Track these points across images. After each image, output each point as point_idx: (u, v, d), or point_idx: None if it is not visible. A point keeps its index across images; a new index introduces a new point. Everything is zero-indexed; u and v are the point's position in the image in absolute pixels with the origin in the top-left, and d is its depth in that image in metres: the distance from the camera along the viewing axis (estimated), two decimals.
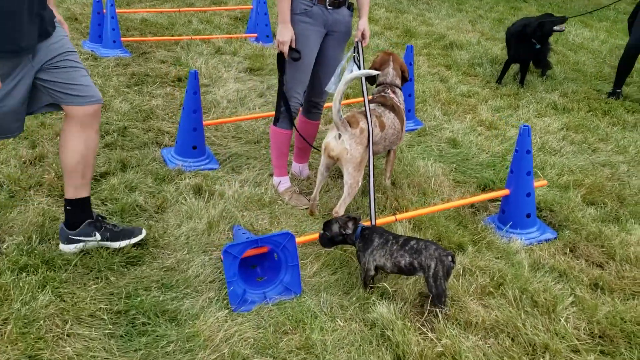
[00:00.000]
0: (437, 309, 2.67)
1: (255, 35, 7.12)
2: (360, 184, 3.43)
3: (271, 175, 4.00)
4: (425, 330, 2.63)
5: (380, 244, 2.82)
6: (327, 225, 2.98)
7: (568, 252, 3.33)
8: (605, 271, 3.16)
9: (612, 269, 3.17)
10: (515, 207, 3.41)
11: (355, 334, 2.64)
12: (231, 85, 5.60)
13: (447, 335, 2.57)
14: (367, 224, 3.06)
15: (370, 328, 2.66)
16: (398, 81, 3.83)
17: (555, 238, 3.45)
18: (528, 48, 6.07)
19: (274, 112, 3.76)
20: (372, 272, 2.83)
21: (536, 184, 3.50)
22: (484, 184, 4.01)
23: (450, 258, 2.69)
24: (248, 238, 3.01)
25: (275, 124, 3.74)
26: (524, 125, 3.32)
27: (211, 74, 5.81)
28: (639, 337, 2.62)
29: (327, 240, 2.99)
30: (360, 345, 2.56)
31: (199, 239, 3.28)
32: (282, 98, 3.60)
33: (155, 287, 2.87)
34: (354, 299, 2.84)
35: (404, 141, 4.70)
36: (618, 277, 3.09)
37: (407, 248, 2.75)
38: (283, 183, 3.87)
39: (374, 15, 8.85)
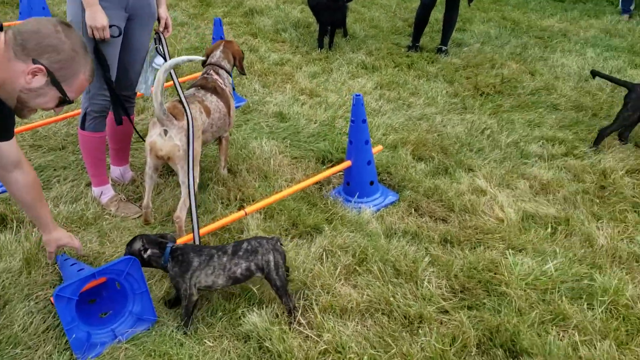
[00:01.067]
0: (291, 302, 2.51)
1: None
2: (198, 179, 3.10)
3: (89, 185, 3.46)
4: (302, 328, 2.48)
5: (202, 262, 2.48)
6: (129, 244, 2.52)
7: (413, 212, 3.41)
8: (449, 224, 3.30)
9: (455, 221, 3.32)
10: (359, 177, 3.39)
11: (229, 352, 2.39)
12: None
13: (326, 329, 2.45)
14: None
15: (245, 342, 2.43)
16: (225, 63, 3.53)
17: (397, 200, 3.52)
18: (336, 11, 6.14)
19: (78, 111, 3.21)
20: (195, 297, 2.49)
21: (373, 150, 3.51)
22: (322, 156, 3.94)
23: (279, 243, 2.55)
24: (80, 270, 2.54)
25: (82, 127, 3.20)
26: (357, 95, 3.27)
27: None
28: (494, 285, 2.77)
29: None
30: None
31: (17, 281, 2.70)
32: (114, 96, 3.09)
33: None
34: (219, 313, 2.56)
35: None
36: (461, 228, 3.25)
37: (240, 254, 2.49)
38: (105, 193, 3.37)
39: None
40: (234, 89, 4.81)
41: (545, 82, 5.43)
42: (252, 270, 2.50)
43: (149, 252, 2.47)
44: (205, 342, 2.43)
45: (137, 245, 2.49)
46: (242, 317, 2.51)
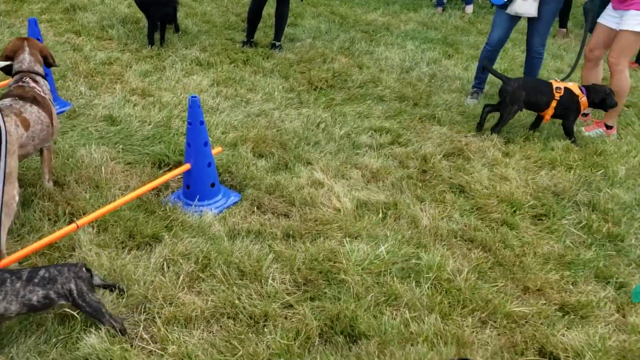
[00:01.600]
0: (113, 324, 2.41)
1: None
2: (17, 198, 2.84)
3: None
4: (145, 344, 2.41)
5: None
6: None
7: (256, 210, 3.46)
8: (291, 219, 3.40)
9: (296, 215, 3.43)
10: (199, 179, 3.34)
11: None
12: None
13: (171, 341, 2.40)
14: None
15: None
16: (38, 68, 3.24)
17: (240, 199, 3.54)
18: (166, 6, 5.96)
19: None
20: None
21: (213, 151, 3.48)
22: (159, 160, 3.82)
23: (84, 269, 2.44)
24: None
25: None
26: (192, 97, 3.22)
27: None
28: (334, 273, 2.92)
29: None
30: None
31: None
32: None
33: None
34: (53, 339, 2.39)
35: None
36: (302, 222, 3.36)
37: (36, 281, 2.34)
38: None
39: None
40: (54, 92, 4.47)
41: (371, 75, 5.78)
42: (52, 299, 2.35)
43: None
44: None
45: None
46: (78, 341, 2.36)
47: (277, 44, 6.38)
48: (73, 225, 2.83)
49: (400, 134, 4.51)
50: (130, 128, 4.26)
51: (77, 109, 4.47)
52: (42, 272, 2.34)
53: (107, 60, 5.56)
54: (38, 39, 4.28)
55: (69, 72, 5.12)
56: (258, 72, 5.72)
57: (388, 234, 3.25)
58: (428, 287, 2.83)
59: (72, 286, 2.34)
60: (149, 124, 4.37)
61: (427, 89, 5.48)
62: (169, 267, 2.85)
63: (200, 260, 2.90)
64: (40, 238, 2.93)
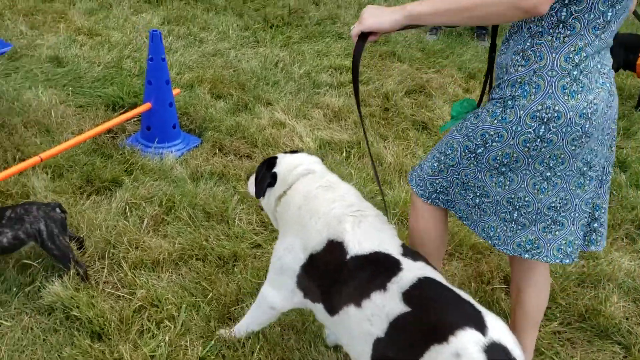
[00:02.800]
0: (78, 269, 2.34)
1: None
2: None
3: None
4: (113, 289, 2.35)
5: None
6: None
7: (217, 152, 3.37)
8: (254, 160, 3.33)
9: (259, 156, 3.36)
10: (161, 120, 3.21)
11: (32, 329, 2.17)
12: None
13: (139, 285, 2.35)
14: None
15: (49, 315, 2.23)
16: None
17: (201, 143, 3.43)
18: None
19: None
20: None
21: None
22: (112, 102, 3.64)
23: (58, 210, 2.36)
24: None
25: None
26: (154, 30, 3.04)
27: None
28: None
29: None
30: (44, 340, 2.13)
31: None
32: None
33: None
34: (14, 289, 2.30)
35: None
36: None
37: (4, 222, 2.25)
38: None
39: None
40: None
41: (329, 11, 5.63)
42: (21, 239, 2.25)
43: None
44: (1, 323, 2.17)
45: None
46: (41, 289, 2.28)
47: None
48: (37, 158, 2.66)
49: (361, 71, 4.44)
50: (78, 69, 4.03)
51: (18, 50, 4.18)
52: (8, 212, 2.24)
53: None
54: None
55: (7, 10, 4.76)
56: (210, 9, 5.47)
57: (352, 172, 3.24)
58: (395, 223, 2.85)
59: (42, 226, 2.24)
60: (99, 65, 4.15)
61: None
62: (131, 212, 2.76)
63: (164, 203, 2.82)
64: None
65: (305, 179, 1.97)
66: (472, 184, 1.80)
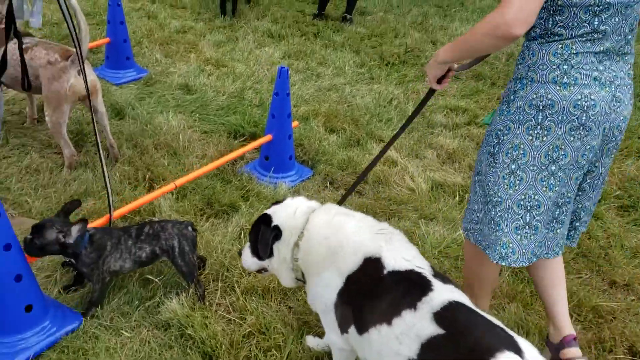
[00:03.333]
0: (197, 289, 2.44)
1: None
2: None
3: None
4: (225, 312, 2.43)
5: (113, 246, 2.35)
6: (38, 230, 2.23)
7: (328, 185, 3.43)
8: (364, 197, 3.35)
9: (369, 193, 3.38)
10: (279, 151, 3.34)
11: (149, 342, 2.29)
12: None
13: (249, 311, 2.42)
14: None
15: (165, 330, 2.34)
16: None
17: (313, 174, 3.51)
18: None
19: None
20: (107, 279, 2.38)
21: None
22: (234, 130, 3.83)
23: (190, 228, 2.47)
24: None
25: None
26: (282, 67, 3.20)
27: None
28: None
29: (36, 248, 2.24)
30: (160, 355, 2.24)
31: None
32: None
33: None
34: (136, 302, 2.45)
35: (133, 96, 4.17)
36: (376, 200, 3.31)
37: (143, 237, 2.39)
38: None
39: None
40: (132, 59, 4.55)
41: None
42: (157, 254, 2.41)
43: (69, 238, 2.23)
44: (122, 333, 2.31)
45: (52, 233, 2.22)
46: (160, 305, 2.41)
47: (348, 16, 6.27)
48: (172, 185, 2.86)
49: (478, 114, 4.36)
50: (205, 97, 4.29)
51: (153, 76, 4.54)
52: (146, 229, 2.40)
53: (181, 28, 5.61)
54: (118, 4, 4.36)
55: (145, 40, 5.19)
56: (329, 45, 5.64)
57: None
58: (509, 275, 2.73)
59: (175, 243, 2.38)
60: (223, 95, 4.39)
61: (504, 69, 5.26)
62: (245, 237, 2.86)
63: None
64: (121, 202, 3.00)
65: (316, 213, 1.99)
66: (493, 193, 1.95)
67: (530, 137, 1.84)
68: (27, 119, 3.71)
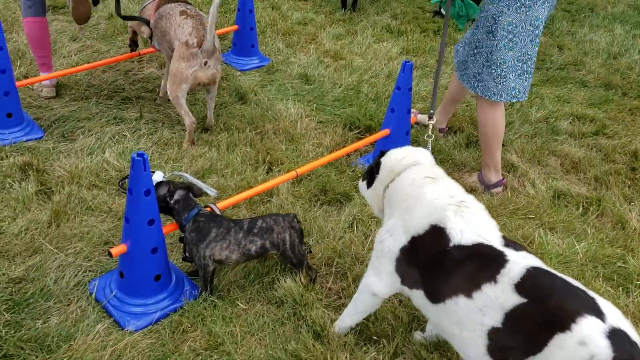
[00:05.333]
0: (309, 273, 2.49)
1: None
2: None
3: (113, 138, 3.40)
4: (337, 297, 2.47)
5: (219, 235, 2.38)
6: (156, 186, 2.38)
7: None
8: (479, 198, 3.25)
9: (487, 195, 3.27)
10: (395, 146, 3.20)
11: (262, 316, 2.37)
12: None
13: None
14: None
15: (278, 307, 2.42)
16: None
17: None
18: None
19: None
20: (211, 268, 2.41)
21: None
22: (350, 122, 3.86)
23: (295, 220, 2.48)
24: None
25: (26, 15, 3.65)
26: (406, 62, 3.19)
27: (4, 16, 4.71)
28: None
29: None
30: (272, 329, 2.31)
31: (46, 233, 2.67)
32: None
33: (5, 309, 2.27)
34: (252, 276, 2.54)
35: (256, 82, 4.33)
36: (496, 201, 3.21)
37: (255, 231, 2.41)
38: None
39: None
40: (256, 46, 4.71)
41: (573, 57, 5.30)
42: (266, 248, 2.42)
43: (176, 197, 2.40)
44: (238, 304, 2.41)
45: (163, 190, 2.40)
46: (275, 282, 2.49)
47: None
48: (293, 173, 2.91)
49: (606, 124, 4.09)
50: (322, 88, 4.36)
51: (275, 65, 4.68)
52: (259, 223, 2.43)
53: (302, 20, 5.73)
54: None
55: (269, 29, 5.36)
56: (449, 43, 5.52)
57: (588, 231, 2.98)
58: (638, 295, 2.55)
59: (287, 236, 2.42)
60: (340, 87, 4.44)
61: (638, 79, 4.90)
62: (357, 227, 2.88)
63: None
64: (242, 181, 3.12)
65: (413, 168, 2.12)
66: (495, 58, 2.92)
67: (518, 14, 2.80)
68: (160, 93, 3.94)
